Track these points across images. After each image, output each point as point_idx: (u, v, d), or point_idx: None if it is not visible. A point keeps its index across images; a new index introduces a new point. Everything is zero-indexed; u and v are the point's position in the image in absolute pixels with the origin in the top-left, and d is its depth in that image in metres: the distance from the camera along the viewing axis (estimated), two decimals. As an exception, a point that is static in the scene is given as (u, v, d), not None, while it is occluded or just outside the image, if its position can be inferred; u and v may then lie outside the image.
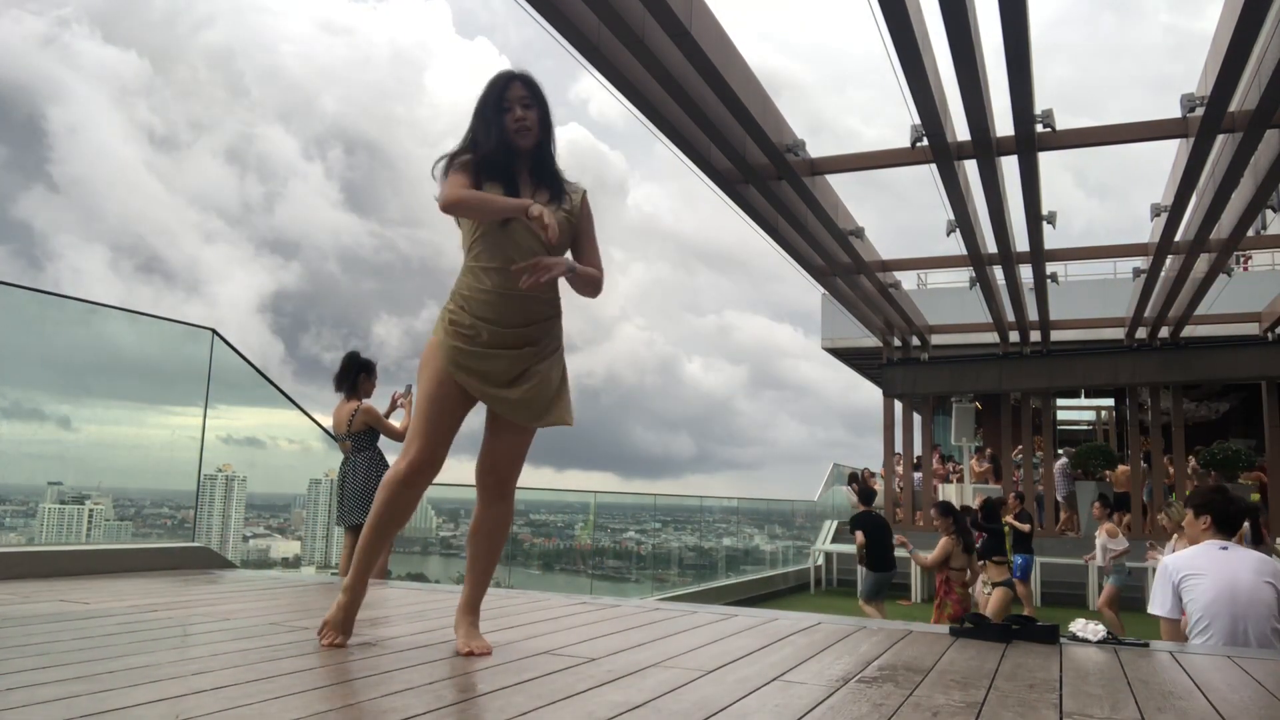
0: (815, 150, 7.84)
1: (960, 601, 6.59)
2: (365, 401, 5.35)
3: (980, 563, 7.24)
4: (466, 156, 2.54)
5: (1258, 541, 8.71)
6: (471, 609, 2.65)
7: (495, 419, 2.60)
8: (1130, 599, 9.18)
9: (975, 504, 8.25)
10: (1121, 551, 8.82)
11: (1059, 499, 14.80)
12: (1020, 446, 15.00)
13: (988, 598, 7.23)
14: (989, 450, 15.63)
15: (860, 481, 9.57)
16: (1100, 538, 9.07)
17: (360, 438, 5.28)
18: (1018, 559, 10.50)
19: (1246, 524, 8.84)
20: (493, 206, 2.46)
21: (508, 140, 2.54)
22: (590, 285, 2.60)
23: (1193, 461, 14.10)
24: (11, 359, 5.17)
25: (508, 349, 2.50)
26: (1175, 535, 6.64)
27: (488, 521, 2.65)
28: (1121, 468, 14.78)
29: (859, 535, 8.11)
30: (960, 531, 6.77)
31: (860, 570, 8.34)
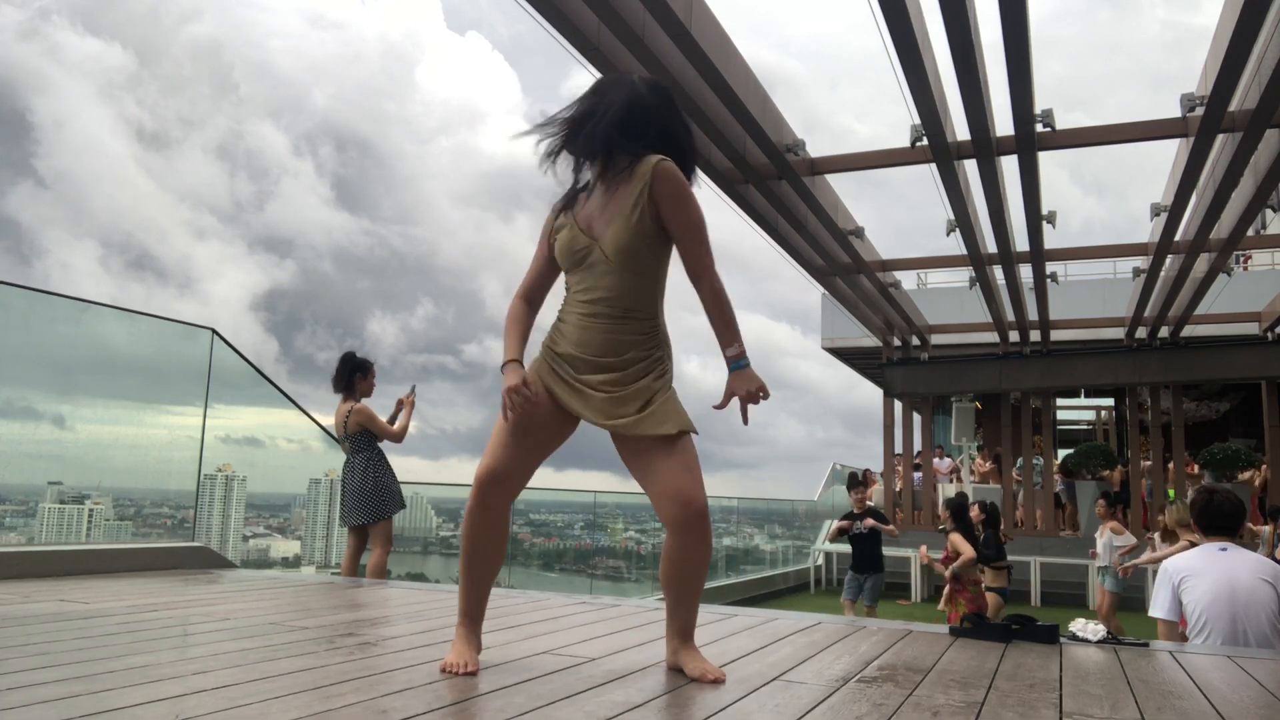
0: (810, 148, 7.84)
1: (973, 600, 6.49)
2: (362, 402, 5.33)
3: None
4: None
5: None
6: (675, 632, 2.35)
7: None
8: (1130, 599, 9.13)
9: (974, 510, 8.03)
10: (1130, 548, 8.45)
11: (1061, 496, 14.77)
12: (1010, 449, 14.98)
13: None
14: (998, 449, 15.59)
15: (853, 481, 9.30)
16: (1104, 537, 8.87)
17: (357, 439, 5.27)
18: None
19: (1269, 525, 8.73)
20: None
21: None
22: (713, 310, 2.41)
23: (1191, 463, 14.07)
24: (4, 358, 5.15)
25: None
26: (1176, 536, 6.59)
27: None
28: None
29: (870, 520, 7.79)
30: (965, 530, 6.76)
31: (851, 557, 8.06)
